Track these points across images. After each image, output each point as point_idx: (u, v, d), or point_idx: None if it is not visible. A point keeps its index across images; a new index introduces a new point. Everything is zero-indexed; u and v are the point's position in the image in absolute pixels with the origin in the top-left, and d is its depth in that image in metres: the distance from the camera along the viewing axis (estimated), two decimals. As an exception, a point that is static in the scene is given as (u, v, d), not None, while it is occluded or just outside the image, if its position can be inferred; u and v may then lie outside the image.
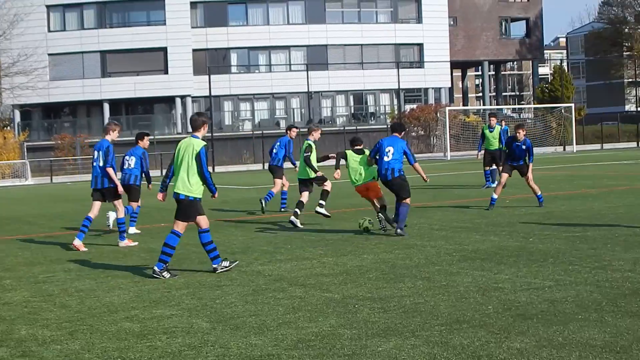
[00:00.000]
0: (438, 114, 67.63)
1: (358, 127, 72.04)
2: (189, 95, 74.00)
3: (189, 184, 12.26)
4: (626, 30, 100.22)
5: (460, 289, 10.24)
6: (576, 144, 65.69)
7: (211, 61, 74.46)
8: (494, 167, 26.88)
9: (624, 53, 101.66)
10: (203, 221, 12.52)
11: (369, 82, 78.46)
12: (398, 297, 9.87)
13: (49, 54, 71.86)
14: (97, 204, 16.77)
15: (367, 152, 16.85)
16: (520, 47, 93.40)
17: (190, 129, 12.79)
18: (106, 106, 72.91)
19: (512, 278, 10.79)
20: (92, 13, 73.60)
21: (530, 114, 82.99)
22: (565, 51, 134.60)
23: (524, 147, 20.29)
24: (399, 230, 15.88)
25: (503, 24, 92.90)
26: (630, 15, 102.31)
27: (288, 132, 22.07)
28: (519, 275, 10.94)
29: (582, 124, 72.97)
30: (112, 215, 18.39)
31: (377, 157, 16.56)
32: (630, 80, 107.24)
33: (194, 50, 73.87)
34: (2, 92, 71.57)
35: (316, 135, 18.65)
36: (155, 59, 73.18)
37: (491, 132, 27.10)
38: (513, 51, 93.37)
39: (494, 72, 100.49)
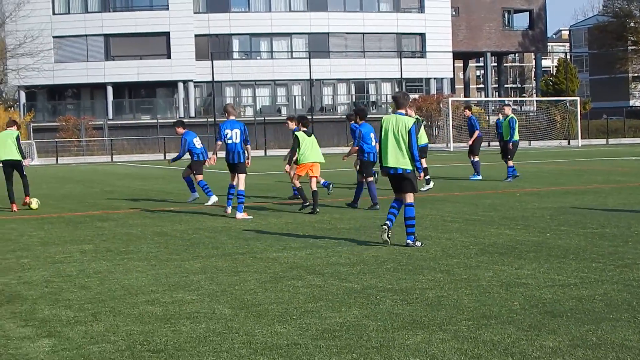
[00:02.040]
0: (440, 105, 67.51)
1: (360, 116, 71.93)
2: (191, 80, 73.95)
3: (406, 157, 13.00)
4: (632, 24, 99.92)
5: (483, 283, 10.13)
6: (581, 138, 65.56)
7: (213, 47, 74.32)
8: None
9: (629, 47, 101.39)
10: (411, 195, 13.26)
11: (370, 71, 78.42)
12: (420, 290, 9.80)
13: (54, 37, 71.69)
14: (234, 175, 18.35)
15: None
16: (523, 39, 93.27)
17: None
18: (109, 89, 72.87)
19: (535, 274, 10.64)
20: (96, -4, 73.51)
21: (532, 106, 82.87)
22: (568, 44, 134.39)
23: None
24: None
25: (506, 15, 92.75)
26: (636, 9, 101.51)
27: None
28: (541, 271, 10.79)
29: (586, 118, 72.79)
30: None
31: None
32: (635, 75, 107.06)
33: (196, 35, 73.83)
34: (7, 73, 71.54)
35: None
36: (158, 44, 73.11)
37: (503, 122, 27.00)
38: (516, 43, 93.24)
39: (496, 64, 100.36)
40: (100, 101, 74.26)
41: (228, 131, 18.10)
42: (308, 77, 70.08)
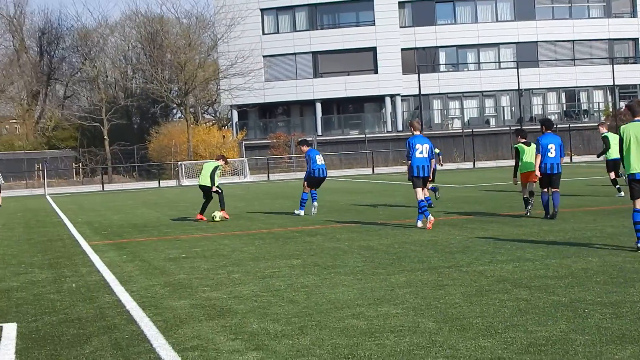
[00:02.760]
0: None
1: (571, 125, 70.44)
2: (398, 94, 74.22)
3: None
4: None
5: (698, 295, 9.74)
6: None
7: (420, 60, 74.49)
8: None
9: None
10: None
11: (581, 79, 76.48)
12: (630, 303, 9.50)
13: (264, 56, 73.69)
14: (420, 190, 19.08)
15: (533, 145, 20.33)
16: None
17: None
18: (318, 106, 74.08)
19: None
20: (303, 15, 74.89)
21: None
22: None
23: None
24: (556, 211, 19.45)
25: None
26: None
27: None
28: None
29: None
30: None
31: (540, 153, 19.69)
32: None
33: (402, 49, 74.07)
34: (220, 93, 74.08)
35: None
36: (365, 59, 73.79)
37: None
38: None
39: None
40: (309, 117, 75.65)
41: (419, 145, 18.94)
42: (516, 87, 69.20)
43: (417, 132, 19.21)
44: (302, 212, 24.15)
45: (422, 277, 12.05)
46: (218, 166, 24.03)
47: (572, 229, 17.05)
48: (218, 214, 23.48)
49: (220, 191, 23.71)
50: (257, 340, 8.58)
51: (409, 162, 18.97)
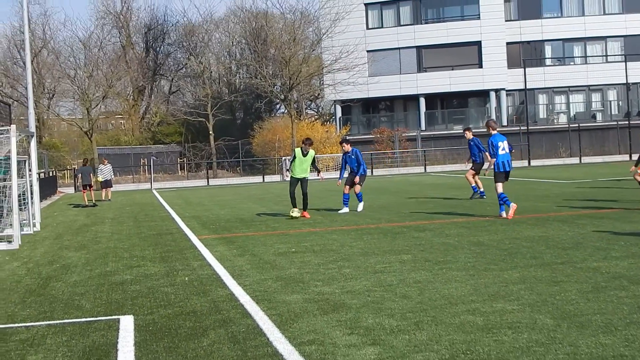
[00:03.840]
0: None
1: (681, 120, 68.74)
2: (502, 89, 73.42)
3: None
4: None
5: None
6: None
7: (525, 54, 73.51)
8: None
9: None
10: None
11: (692, 72, 74.54)
12: None
13: (368, 51, 73.64)
14: (501, 185, 20.46)
15: None
16: None
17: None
18: (422, 100, 73.72)
19: None
20: (408, 9, 74.63)
21: None
22: None
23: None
24: None
25: None
26: None
27: None
28: None
29: None
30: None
31: None
32: None
33: (507, 43, 73.22)
34: (324, 88, 74.33)
35: None
36: (469, 53, 73.17)
37: None
38: None
39: None
40: (412, 112, 75.34)
41: (500, 143, 20.41)
42: (624, 81, 67.85)
43: (495, 131, 20.72)
44: (347, 209, 25.14)
45: (536, 273, 11.90)
46: (295, 150, 24.06)
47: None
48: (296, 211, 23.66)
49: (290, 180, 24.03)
50: (374, 335, 8.56)
51: (494, 159, 20.53)
